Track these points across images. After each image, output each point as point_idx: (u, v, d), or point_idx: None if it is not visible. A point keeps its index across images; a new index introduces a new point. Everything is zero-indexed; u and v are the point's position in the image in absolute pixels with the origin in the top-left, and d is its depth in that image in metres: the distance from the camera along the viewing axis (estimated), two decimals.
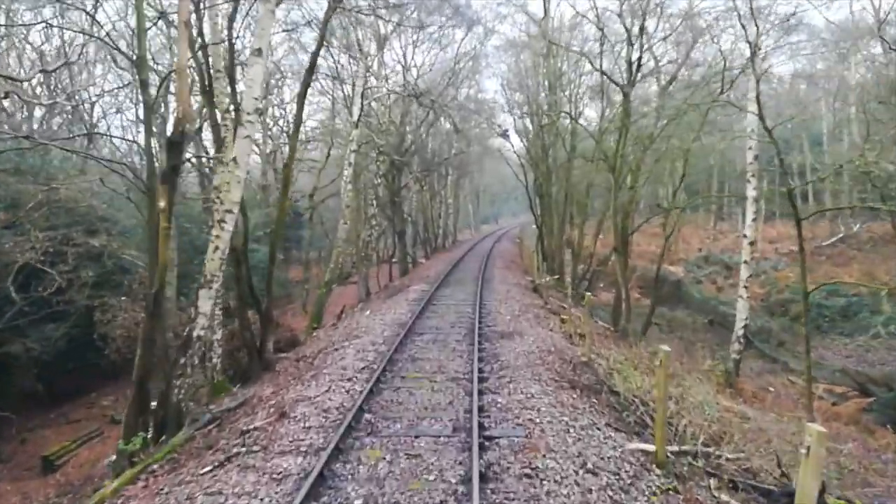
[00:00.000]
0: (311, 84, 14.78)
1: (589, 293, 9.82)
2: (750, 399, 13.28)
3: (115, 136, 20.53)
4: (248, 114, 7.58)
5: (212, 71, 9.76)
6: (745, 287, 13.75)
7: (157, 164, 11.27)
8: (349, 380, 7.70)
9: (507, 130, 26.61)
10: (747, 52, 13.68)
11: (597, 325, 18.53)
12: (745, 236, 13.90)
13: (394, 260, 33.33)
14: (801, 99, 36.54)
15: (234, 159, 7.52)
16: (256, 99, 7.65)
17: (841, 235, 34.53)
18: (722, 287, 25.98)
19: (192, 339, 7.48)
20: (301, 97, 10.78)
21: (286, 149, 40.83)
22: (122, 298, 16.04)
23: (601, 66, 16.49)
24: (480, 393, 7.04)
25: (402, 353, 9.19)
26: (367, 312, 14.44)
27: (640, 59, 15.61)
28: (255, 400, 7.97)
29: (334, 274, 17.69)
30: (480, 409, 6.43)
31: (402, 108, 28.10)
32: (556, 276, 21.30)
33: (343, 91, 22.37)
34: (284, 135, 39.92)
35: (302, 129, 40.94)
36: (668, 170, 31.16)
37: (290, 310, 30.25)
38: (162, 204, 6.70)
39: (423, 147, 32.35)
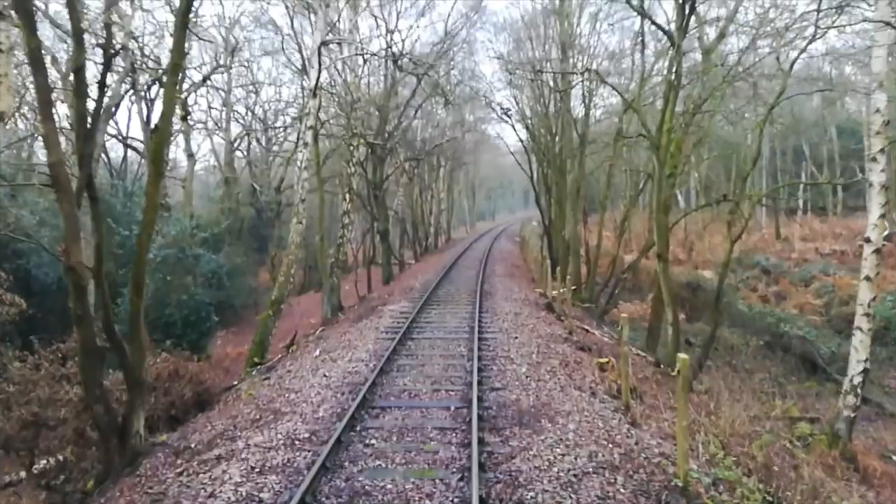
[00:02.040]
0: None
1: (685, 356, 5.39)
2: (880, 481, 8.99)
3: None
4: None
5: None
6: (868, 315, 9.45)
7: None
8: None
9: (508, 110, 22.23)
10: None
11: (629, 349, 14.26)
12: (867, 240, 9.54)
13: (379, 261, 28.97)
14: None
15: None
16: None
17: (887, 232, 30.28)
18: (766, 297, 21.73)
19: None
20: (180, 28, 6.31)
21: (263, 138, 36.41)
22: None
23: (642, 4, 12.10)
24: None
25: (334, 476, 4.79)
26: (318, 352, 10.06)
27: None
28: None
29: (283, 291, 13.30)
30: None
31: (384, 88, 23.66)
32: (573, 287, 16.95)
33: (303, 54, 17.87)
34: (257, 121, 35.55)
35: (282, 116, 36.47)
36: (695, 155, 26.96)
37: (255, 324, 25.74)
38: None
39: (410, 131, 27.90)
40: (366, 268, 26.82)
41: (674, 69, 11.95)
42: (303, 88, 24.61)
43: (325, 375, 7.86)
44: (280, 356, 12.43)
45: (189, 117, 22.92)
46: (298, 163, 13.83)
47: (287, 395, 7.34)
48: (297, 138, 23.77)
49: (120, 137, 28.04)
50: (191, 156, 22.90)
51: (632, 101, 12.79)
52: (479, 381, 7.28)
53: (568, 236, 21.04)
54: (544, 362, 8.48)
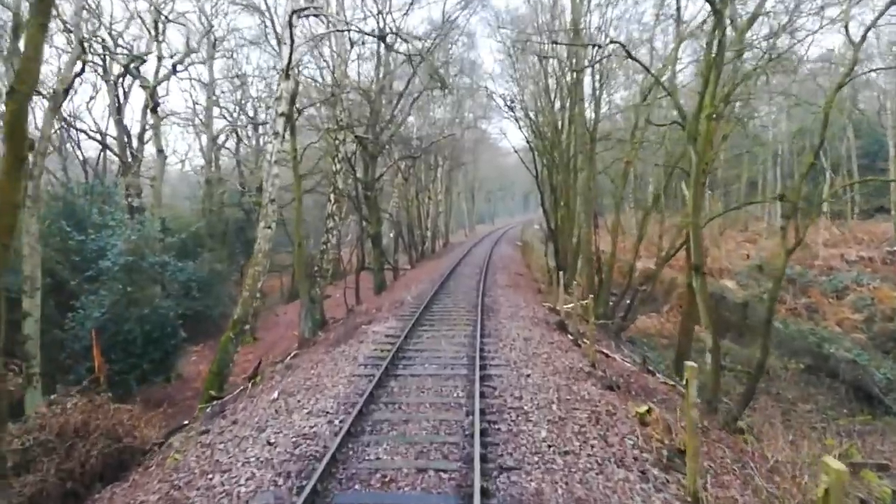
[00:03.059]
0: None
1: (839, 466, 3.26)
2: None
3: None
4: None
5: None
6: None
7: None
8: None
9: (512, 101, 20.16)
10: None
11: (651, 374, 12.18)
12: None
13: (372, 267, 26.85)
14: None
15: None
16: None
17: None
18: (797, 310, 19.63)
19: None
20: None
21: (246, 133, 34.22)
22: None
23: None
24: None
25: None
26: (276, 394, 7.91)
27: None
28: None
29: (247, 309, 11.16)
30: None
31: (374, 75, 21.58)
32: (583, 301, 14.86)
33: (276, 31, 15.74)
34: (246, 117, 33.35)
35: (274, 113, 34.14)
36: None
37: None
38: None
39: (405, 127, 25.79)
40: (356, 275, 24.64)
41: (715, 44, 9.91)
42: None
43: (269, 442, 5.71)
44: (240, 389, 10.30)
45: (159, 108, 20.79)
46: (268, 156, 11.72)
47: (211, 474, 5.20)
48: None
49: (97, 136, 26.03)
50: (160, 151, 20.77)
51: (661, 78, 10.67)
52: (483, 456, 5.17)
53: (578, 241, 18.96)
54: (569, 417, 6.36)
